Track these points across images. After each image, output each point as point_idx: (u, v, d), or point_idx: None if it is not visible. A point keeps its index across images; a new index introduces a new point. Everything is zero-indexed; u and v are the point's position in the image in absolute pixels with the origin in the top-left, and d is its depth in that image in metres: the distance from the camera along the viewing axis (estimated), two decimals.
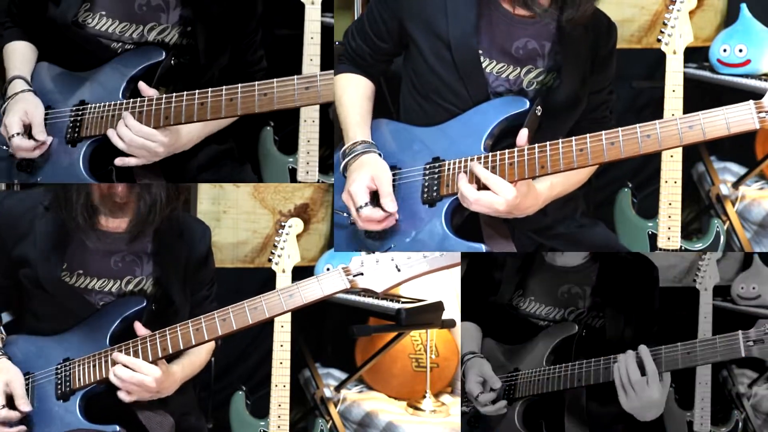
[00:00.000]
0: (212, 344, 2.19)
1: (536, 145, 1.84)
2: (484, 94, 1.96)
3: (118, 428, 1.94)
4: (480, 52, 1.96)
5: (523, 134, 1.85)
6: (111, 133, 2.00)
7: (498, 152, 1.87)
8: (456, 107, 1.98)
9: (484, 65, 1.96)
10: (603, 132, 1.79)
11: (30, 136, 2.05)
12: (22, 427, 1.94)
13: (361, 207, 1.91)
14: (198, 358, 2.14)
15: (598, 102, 2.06)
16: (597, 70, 2.02)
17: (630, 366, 1.94)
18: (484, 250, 1.90)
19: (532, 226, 2.07)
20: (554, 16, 1.88)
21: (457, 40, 1.94)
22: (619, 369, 1.95)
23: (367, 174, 1.93)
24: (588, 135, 1.80)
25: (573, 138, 1.81)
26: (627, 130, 1.77)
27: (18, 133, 2.03)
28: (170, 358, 2.02)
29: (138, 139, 1.98)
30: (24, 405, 1.94)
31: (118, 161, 2.01)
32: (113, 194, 1.98)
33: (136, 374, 1.90)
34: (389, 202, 1.91)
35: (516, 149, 1.85)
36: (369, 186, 1.92)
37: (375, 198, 1.93)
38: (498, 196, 1.82)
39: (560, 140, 1.82)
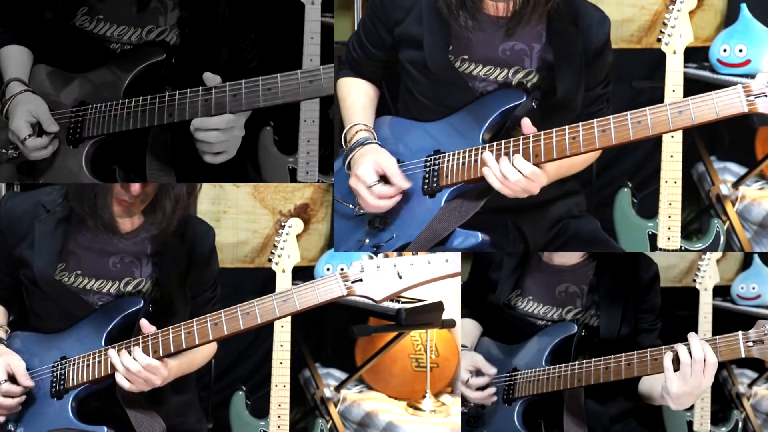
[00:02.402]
0: (215, 343, 2.18)
1: (531, 134, 1.87)
2: (472, 97, 2.00)
3: (105, 429, 1.95)
4: (465, 57, 1.98)
5: (525, 122, 1.88)
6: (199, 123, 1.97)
7: (495, 143, 1.90)
8: (449, 109, 2.02)
9: (469, 70, 1.99)
10: (595, 120, 1.81)
11: (40, 134, 2.05)
12: (22, 398, 1.97)
13: (371, 185, 1.94)
14: (197, 357, 2.13)
15: (594, 96, 2.07)
16: (591, 64, 2.02)
17: (694, 343, 1.84)
18: (480, 239, 1.93)
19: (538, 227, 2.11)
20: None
21: (429, 49, 1.98)
22: (679, 350, 1.85)
23: (372, 159, 1.98)
24: (580, 123, 1.82)
25: (566, 126, 1.83)
26: (618, 117, 1.79)
27: (30, 135, 2.03)
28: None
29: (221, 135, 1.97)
30: (26, 380, 1.97)
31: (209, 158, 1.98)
32: (127, 193, 1.96)
33: (147, 373, 1.90)
34: (402, 180, 1.96)
35: (512, 139, 1.88)
36: (375, 169, 1.96)
37: (383, 182, 1.97)
38: (534, 182, 1.86)
39: (553, 129, 1.84)
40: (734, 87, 1.72)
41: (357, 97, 2.15)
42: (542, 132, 1.86)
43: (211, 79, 1.97)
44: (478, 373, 2.22)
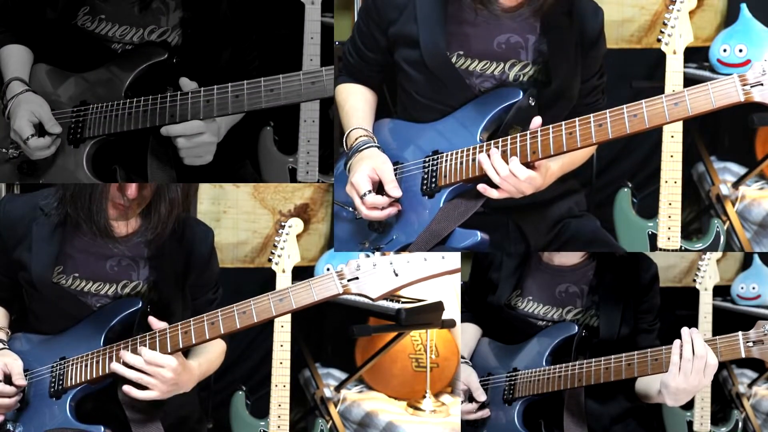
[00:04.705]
0: (224, 345, 2.18)
1: (527, 131, 1.87)
2: (469, 93, 2.00)
3: (103, 429, 1.95)
4: (460, 53, 1.99)
5: (536, 121, 1.88)
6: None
7: (492, 141, 1.91)
8: (447, 107, 2.02)
9: (465, 65, 2.00)
10: (591, 114, 1.81)
11: (42, 134, 2.05)
12: (18, 397, 1.97)
13: (365, 194, 1.95)
14: (212, 357, 2.13)
15: (589, 88, 2.08)
16: (586, 55, 2.03)
17: (697, 340, 1.86)
18: (480, 238, 1.93)
19: (539, 225, 2.11)
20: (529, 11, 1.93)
21: (426, 46, 1.99)
22: (683, 344, 1.87)
23: (368, 165, 1.98)
24: (577, 119, 1.82)
25: (563, 122, 1.83)
26: (614, 111, 1.79)
27: (33, 135, 2.03)
28: (185, 354, 2.00)
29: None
30: (19, 380, 1.96)
31: None
32: (123, 196, 1.94)
33: (154, 367, 1.88)
34: (393, 188, 1.96)
35: (509, 137, 1.88)
36: (370, 176, 1.96)
37: (379, 190, 1.98)
38: (528, 185, 1.87)
39: (550, 126, 1.84)
40: (730, 77, 1.72)
41: (355, 102, 2.14)
42: (539, 129, 1.86)
43: (187, 84, 1.98)
44: (471, 398, 2.22)
